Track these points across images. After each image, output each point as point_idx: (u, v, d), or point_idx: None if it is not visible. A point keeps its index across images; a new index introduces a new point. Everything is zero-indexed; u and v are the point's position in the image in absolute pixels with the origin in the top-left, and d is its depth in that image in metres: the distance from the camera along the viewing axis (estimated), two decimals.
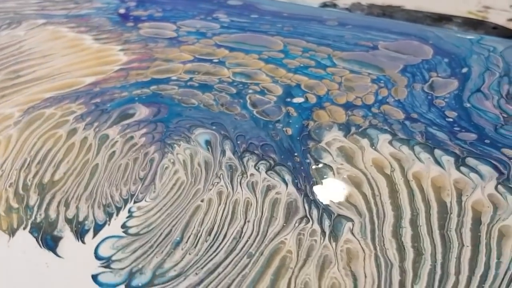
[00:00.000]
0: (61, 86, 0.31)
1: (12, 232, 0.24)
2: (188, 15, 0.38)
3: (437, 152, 0.27)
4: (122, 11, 0.38)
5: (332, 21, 0.36)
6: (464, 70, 0.32)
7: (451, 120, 0.29)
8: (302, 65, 0.33)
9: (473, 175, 0.26)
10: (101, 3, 0.39)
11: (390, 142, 0.27)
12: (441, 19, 0.40)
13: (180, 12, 0.38)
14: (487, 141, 0.27)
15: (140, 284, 0.22)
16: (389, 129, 0.28)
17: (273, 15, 0.37)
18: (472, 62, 0.32)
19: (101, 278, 0.22)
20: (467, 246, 0.22)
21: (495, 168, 0.26)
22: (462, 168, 0.26)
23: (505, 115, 0.28)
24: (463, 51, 0.33)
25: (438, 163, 0.26)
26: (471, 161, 0.26)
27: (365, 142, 0.28)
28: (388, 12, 0.42)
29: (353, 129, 0.28)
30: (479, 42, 0.34)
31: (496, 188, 0.25)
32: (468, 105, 0.30)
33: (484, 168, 0.26)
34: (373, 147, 0.27)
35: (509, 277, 0.22)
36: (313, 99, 0.30)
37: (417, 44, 0.34)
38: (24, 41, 0.35)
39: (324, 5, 0.42)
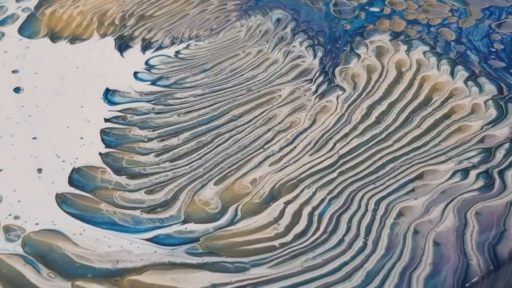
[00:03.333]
0: None
1: (103, 36, 0.39)
2: None
3: (458, 67, 0.35)
4: None
5: None
6: None
7: (493, 50, 0.36)
8: None
9: (474, 88, 0.33)
10: None
11: (424, 53, 0.36)
12: None
13: None
14: (511, 70, 0.34)
15: (162, 84, 0.35)
16: (432, 44, 0.37)
17: None
18: None
19: (139, 75, 0.35)
20: (420, 128, 0.31)
21: (500, 88, 0.33)
22: (469, 82, 0.34)
23: None
24: None
25: (451, 74, 0.34)
26: (482, 79, 0.34)
27: (403, 47, 0.37)
28: None
29: (401, 37, 0.37)
30: None
31: (485, 101, 0.32)
32: None
33: (489, 87, 0.33)
34: (407, 52, 0.36)
35: (435, 155, 0.29)
36: (387, 11, 0.40)
37: None
38: None
39: None
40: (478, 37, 0.36)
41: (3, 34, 0.37)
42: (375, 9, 0.39)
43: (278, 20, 0.38)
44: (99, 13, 0.39)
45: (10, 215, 0.26)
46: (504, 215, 0.25)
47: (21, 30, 0.38)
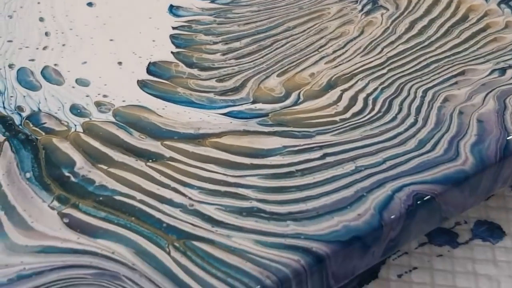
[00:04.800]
0: None
1: None
2: None
3: None
4: None
5: None
6: None
7: None
8: None
9: (506, 9, 0.37)
10: None
11: None
12: None
13: None
14: None
15: (220, 2, 0.39)
16: None
17: None
18: None
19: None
20: (460, 38, 0.34)
21: None
22: (502, 5, 0.38)
23: None
24: None
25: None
26: None
27: None
28: None
29: None
30: None
31: None
32: None
33: None
34: None
35: (474, 58, 0.33)
36: None
37: None
38: None
39: None
40: None
41: None
42: None
43: None
44: None
45: (99, 94, 0.30)
46: (509, 98, 0.29)
47: None
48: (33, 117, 0.28)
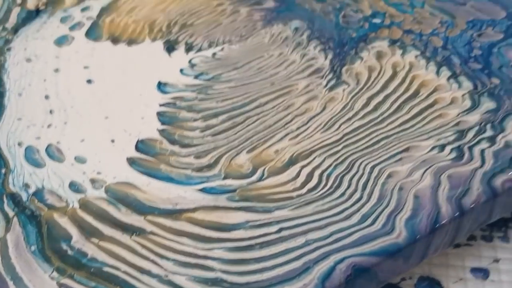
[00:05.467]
0: None
1: (153, 40, 0.48)
2: None
3: (443, 68, 0.44)
4: None
5: None
6: None
7: (473, 55, 0.46)
8: (399, 2, 0.52)
9: (454, 84, 0.43)
10: None
11: (416, 56, 0.46)
12: None
13: None
14: (486, 71, 0.44)
15: (202, 79, 0.44)
16: (422, 49, 0.46)
17: None
18: None
19: (184, 71, 0.45)
20: (409, 114, 0.39)
21: (475, 85, 0.43)
22: (451, 80, 0.43)
23: None
24: None
25: (437, 73, 0.44)
26: (461, 78, 0.43)
27: (399, 52, 0.46)
28: None
29: (397, 44, 0.47)
30: None
31: (463, 95, 0.42)
32: (496, 50, 0.46)
33: (466, 84, 0.43)
34: (401, 55, 0.46)
35: (419, 135, 0.39)
36: (387, 22, 0.49)
37: (496, 9, 0.50)
38: None
39: None
40: (461, 44, 0.45)
41: (73, 38, 0.47)
42: (377, 20, 0.49)
43: (296, 28, 0.48)
44: (149, 22, 0.49)
45: (94, 171, 0.36)
46: (468, 177, 0.35)
47: (87, 35, 0.48)
48: (38, 194, 0.34)
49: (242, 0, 0.50)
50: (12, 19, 0.48)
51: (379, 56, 0.44)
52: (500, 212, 0.34)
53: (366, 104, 0.40)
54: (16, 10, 0.49)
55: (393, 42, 0.45)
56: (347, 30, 0.46)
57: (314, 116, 0.39)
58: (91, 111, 0.39)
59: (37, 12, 0.49)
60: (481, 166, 0.35)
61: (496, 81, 0.41)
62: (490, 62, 0.43)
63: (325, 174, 0.35)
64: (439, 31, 0.46)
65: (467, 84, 0.41)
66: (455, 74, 0.42)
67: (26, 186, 0.34)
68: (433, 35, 0.46)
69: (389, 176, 0.34)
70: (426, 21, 0.47)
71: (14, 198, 0.33)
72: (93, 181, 0.34)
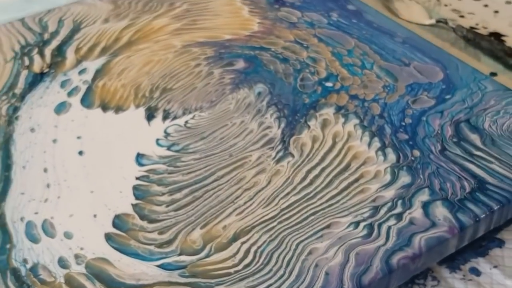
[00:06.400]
0: (210, 36, 0.64)
1: (137, 106, 0.58)
2: (315, 8, 0.66)
3: (375, 138, 0.52)
4: None
5: (399, 37, 0.61)
6: (448, 97, 0.55)
7: (404, 124, 0.54)
8: (352, 63, 0.60)
9: (381, 157, 0.51)
10: None
11: (354, 125, 0.54)
12: (510, 55, 0.61)
13: (312, 5, 0.66)
14: (411, 142, 0.52)
15: (173, 150, 0.54)
16: (362, 117, 0.54)
17: (367, 23, 0.64)
18: (458, 93, 0.56)
19: (160, 142, 0.55)
20: (337, 189, 0.48)
21: (397, 157, 0.51)
22: (379, 152, 0.52)
23: (438, 133, 0.51)
24: (460, 83, 0.56)
25: (369, 144, 0.52)
26: (388, 149, 0.52)
27: (341, 120, 0.55)
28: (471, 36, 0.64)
29: (342, 111, 0.55)
30: (480, 80, 0.56)
31: (385, 168, 0.51)
32: (424, 118, 0.54)
33: (391, 156, 0.51)
34: (343, 124, 0.54)
35: (341, 210, 0.48)
36: (337, 86, 0.58)
37: (436, 70, 0.57)
38: (211, 2, 0.68)
39: (438, 21, 0.66)
40: (396, 111, 0.54)
41: (71, 105, 0.57)
42: (329, 84, 0.57)
43: (259, 93, 0.57)
44: (135, 86, 0.58)
45: (78, 246, 0.46)
46: (372, 255, 0.44)
47: (82, 101, 0.57)
48: (33, 269, 0.44)
49: (216, 60, 0.59)
50: (20, 84, 0.58)
51: (324, 125, 0.52)
52: (396, 283, 0.43)
53: (304, 178, 0.48)
54: (24, 74, 0.59)
55: (338, 109, 0.53)
56: (302, 95, 0.55)
57: (260, 190, 0.48)
58: (79, 185, 0.49)
59: (41, 76, 0.59)
60: (385, 243, 0.44)
61: (416, 153, 0.49)
62: (417, 133, 0.51)
63: (259, 251, 0.44)
64: (380, 96, 0.54)
65: (392, 157, 0.49)
66: (384, 145, 0.50)
67: (25, 261, 0.44)
68: (374, 101, 0.54)
69: (309, 253, 0.44)
70: (371, 85, 0.55)
71: (16, 273, 0.44)
72: (76, 256, 0.45)
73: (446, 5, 0.69)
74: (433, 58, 0.56)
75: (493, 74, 0.59)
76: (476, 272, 0.44)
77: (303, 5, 0.64)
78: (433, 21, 0.65)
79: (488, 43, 0.62)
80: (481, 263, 0.45)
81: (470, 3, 0.69)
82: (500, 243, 0.46)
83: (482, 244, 0.46)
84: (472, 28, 0.65)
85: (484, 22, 0.66)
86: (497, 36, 0.64)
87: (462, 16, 0.67)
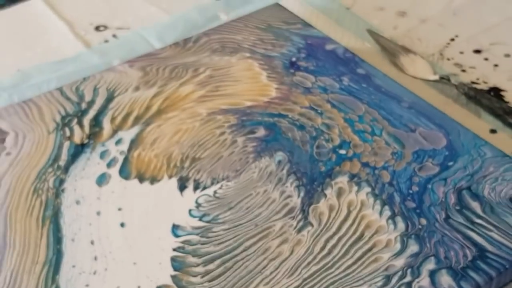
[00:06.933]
0: (233, 103, 0.70)
1: (170, 177, 0.64)
2: (327, 72, 0.72)
3: (385, 207, 0.59)
4: (293, 59, 0.74)
5: (405, 102, 0.67)
6: (450, 163, 0.61)
7: (411, 191, 0.60)
8: (363, 129, 0.66)
9: (391, 226, 0.58)
10: (287, 49, 0.76)
11: (367, 193, 0.60)
12: (509, 113, 0.67)
13: (324, 69, 0.73)
14: (418, 211, 0.58)
15: (205, 220, 0.60)
16: (373, 185, 0.61)
17: (375, 88, 0.70)
18: (460, 159, 0.61)
19: (192, 212, 0.61)
20: (353, 258, 0.54)
21: (406, 226, 0.57)
22: (389, 220, 0.58)
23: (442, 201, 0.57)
24: (462, 149, 0.62)
25: (380, 213, 0.58)
26: (398, 218, 0.58)
27: (355, 189, 0.61)
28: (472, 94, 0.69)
29: (355, 179, 0.62)
30: (480, 146, 0.62)
31: (395, 237, 0.57)
32: (430, 186, 0.60)
33: (400, 225, 0.58)
34: (356, 193, 0.60)
35: (357, 280, 0.54)
36: (350, 153, 0.64)
37: (439, 136, 0.63)
38: (232, 67, 0.74)
39: (442, 78, 0.72)
40: (404, 179, 0.60)
41: (110, 176, 0.63)
42: (342, 151, 0.63)
43: (279, 162, 0.63)
44: (167, 157, 0.64)
45: None
46: None
47: (120, 172, 0.64)
48: None
49: (239, 128, 0.65)
50: (64, 156, 0.64)
51: (339, 193, 0.58)
52: None
53: (323, 247, 0.55)
54: (66, 145, 0.66)
55: (352, 177, 0.59)
56: (318, 163, 0.61)
57: (283, 260, 0.54)
58: (123, 257, 0.55)
59: (82, 147, 0.65)
60: None
61: (423, 221, 0.55)
62: (423, 201, 0.57)
63: None
64: (389, 164, 0.60)
65: (401, 225, 0.55)
66: (394, 214, 0.56)
67: None
68: (384, 168, 0.60)
69: None
70: (381, 152, 0.61)
71: None
72: None
73: (448, 59, 0.74)
74: (437, 123, 0.62)
75: (493, 131, 0.65)
76: None
77: (317, 69, 0.69)
78: (436, 77, 0.71)
79: (487, 101, 0.67)
80: None
81: (471, 56, 0.75)
82: None
83: None
84: (473, 82, 0.71)
85: (484, 76, 0.72)
86: (496, 91, 0.69)
87: (464, 71, 0.73)
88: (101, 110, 0.68)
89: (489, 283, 0.49)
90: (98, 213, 0.57)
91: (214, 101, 0.67)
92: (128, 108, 0.67)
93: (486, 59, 0.73)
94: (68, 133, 0.65)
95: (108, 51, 0.80)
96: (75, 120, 0.67)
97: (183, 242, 0.55)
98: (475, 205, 0.55)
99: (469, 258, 0.51)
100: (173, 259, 0.53)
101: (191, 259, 0.53)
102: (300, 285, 0.51)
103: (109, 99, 0.69)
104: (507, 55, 0.73)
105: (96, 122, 0.66)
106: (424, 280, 0.50)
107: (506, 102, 0.67)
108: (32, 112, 0.67)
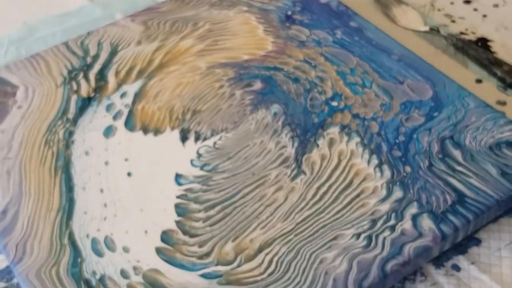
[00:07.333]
0: (231, 57, 0.74)
1: (172, 129, 0.68)
2: (321, 26, 0.75)
3: (373, 156, 0.63)
4: (289, 13, 0.78)
5: (395, 55, 0.71)
6: (435, 114, 0.66)
7: (398, 141, 0.64)
8: (354, 81, 0.69)
9: (378, 173, 0.62)
10: (282, 3, 0.79)
11: (356, 143, 0.64)
12: (494, 64, 0.71)
13: (318, 22, 0.76)
14: (403, 159, 0.63)
15: (205, 170, 0.65)
16: (362, 136, 0.65)
17: (367, 41, 0.73)
18: (444, 110, 0.66)
19: (194, 162, 0.66)
20: (342, 204, 0.58)
21: (392, 174, 0.62)
22: (377, 168, 0.62)
23: (426, 150, 0.61)
24: (447, 100, 0.65)
25: (368, 161, 0.63)
26: (384, 166, 0.62)
27: (345, 139, 0.65)
28: (459, 44, 0.73)
29: (345, 129, 0.66)
30: (463, 97, 0.66)
31: (381, 184, 0.61)
32: (415, 135, 0.64)
33: (387, 172, 0.62)
34: (346, 143, 0.65)
35: (346, 223, 0.59)
36: (341, 105, 0.68)
37: (426, 87, 0.67)
38: (230, 21, 0.78)
39: (432, 29, 0.76)
40: (391, 129, 0.64)
41: (116, 128, 0.68)
42: (334, 103, 0.67)
43: (275, 114, 0.67)
44: (169, 109, 0.69)
45: (135, 259, 0.58)
46: (370, 263, 0.55)
47: (126, 125, 0.68)
48: (102, 280, 0.56)
49: (237, 82, 0.69)
50: (72, 109, 0.69)
51: (331, 143, 0.63)
52: (390, 284, 0.55)
53: (315, 194, 0.59)
54: (74, 98, 0.70)
55: (343, 128, 0.64)
56: (312, 115, 0.65)
57: (278, 206, 0.59)
58: (131, 204, 0.60)
59: (89, 100, 0.69)
60: (381, 252, 0.55)
61: (408, 169, 0.60)
62: (408, 150, 0.61)
63: (279, 261, 0.55)
64: (378, 115, 0.64)
65: (387, 173, 0.60)
66: (381, 162, 0.61)
67: (94, 273, 0.56)
68: (373, 119, 0.64)
69: (320, 262, 0.55)
70: (370, 104, 0.65)
71: (88, 284, 0.56)
72: (134, 268, 0.56)
73: (439, 10, 0.77)
74: (424, 75, 0.66)
75: (479, 81, 0.68)
76: (456, 268, 0.55)
77: (311, 22, 0.73)
78: (427, 28, 0.74)
79: (474, 51, 0.71)
80: (461, 260, 0.55)
81: (461, 7, 0.78)
82: (477, 242, 0.57)
83: (462, 243, 0.56)
84: (461, 33, 0.74)
85: (472, 27, 0.75)
86: (484, 41, 0.73)
87: (453, 21, 0.76)
88: (106, 64, 0.71)
89: (466, 225, 0.54)
90: (106, 163, 0.62)
91: (213, 55, 0.71)
92: (131, 62, 0.71)
93: (475, 9, 0.76)
94: (75, 86, 0.69)
95: (110, 4, 0.83)
96: (81, 74, 0.70)
97: (185, 190, 0.59)
98: (457, 154, 0.59)
99: (449, 202, 0.55)
100: (176, 206, 0.58)
101: (193, 206, 0.58)
102: (293, 229, 0.55)
103: (113, 53, 0.72)
104: (496, 5, 0.76)
105: (101, 76, 0.70)
106: (407, 223, 0.54)
107: (493, 53, 0.70)
108: (40, 67, 0.71)
